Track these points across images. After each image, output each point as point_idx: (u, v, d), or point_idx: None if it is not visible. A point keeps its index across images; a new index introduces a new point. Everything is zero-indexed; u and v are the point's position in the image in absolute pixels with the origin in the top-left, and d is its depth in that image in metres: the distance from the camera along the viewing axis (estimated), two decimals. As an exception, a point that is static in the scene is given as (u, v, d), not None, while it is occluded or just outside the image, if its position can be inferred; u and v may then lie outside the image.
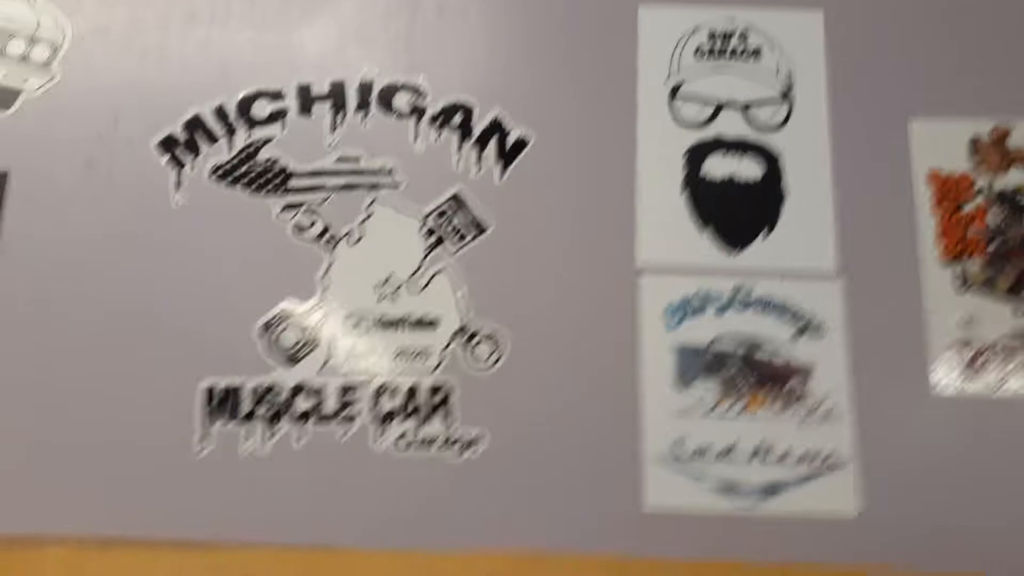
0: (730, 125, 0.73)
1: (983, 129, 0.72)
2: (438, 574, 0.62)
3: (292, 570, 0.62)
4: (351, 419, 0.67)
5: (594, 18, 0.76)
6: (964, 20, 0.75)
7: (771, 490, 0.65)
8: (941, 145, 0.72)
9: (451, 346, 0.69)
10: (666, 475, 0.66)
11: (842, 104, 0.73)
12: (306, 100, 0.75)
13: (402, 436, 0.66)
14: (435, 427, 0.67)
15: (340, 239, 0.72)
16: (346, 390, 0.67)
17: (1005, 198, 0.71)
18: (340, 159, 0.74)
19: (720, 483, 0.65)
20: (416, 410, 0.67)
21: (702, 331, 0.69)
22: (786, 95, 0.74)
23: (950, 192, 0.71)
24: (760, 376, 0.68)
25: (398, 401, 0.67)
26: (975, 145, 0.72)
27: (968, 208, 0.71)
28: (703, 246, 0.71)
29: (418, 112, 0.75)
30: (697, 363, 0.68)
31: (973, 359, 0.67)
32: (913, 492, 0.65)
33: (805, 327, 0.69)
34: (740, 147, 0.73)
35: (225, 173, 0.73)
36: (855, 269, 0.69)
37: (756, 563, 0.62)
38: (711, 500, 0.65)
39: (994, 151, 0.72)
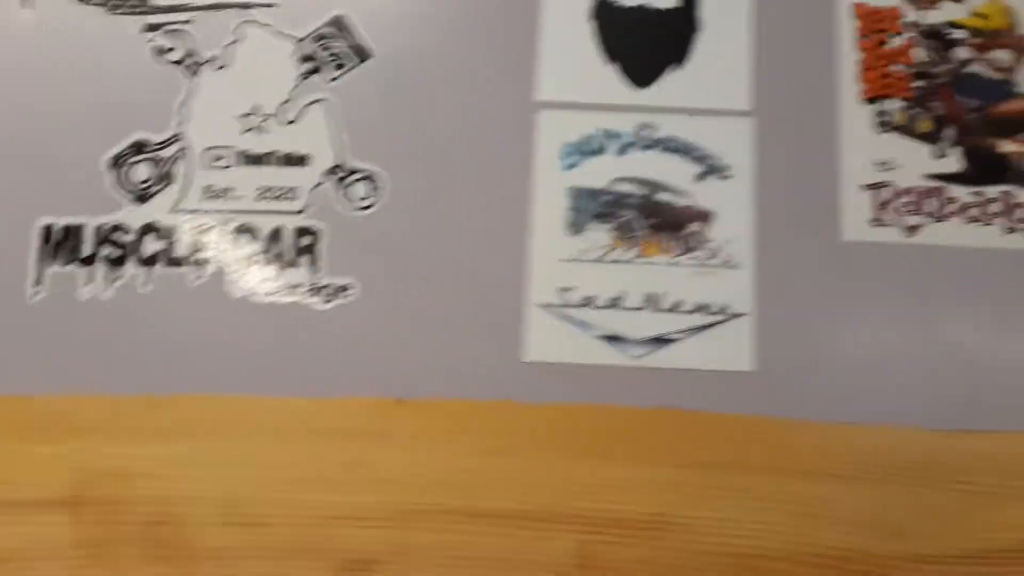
0: (642, -55, 0.67)
1: (916, -44, 0.66)
2: (303, 420, 0.57)
3: (131, 420, 0.56)
4: (205, 262, 0.61)
5: None
6: None
7: (660, 341, 0.61)
8: (868, -26, 0.66)
9: (322, 185, 0.63)
10: (550, 324, 0.60)
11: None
12: (166, -89, 0.67)
13: (263, 281, 0.61)
14: (300, 272, 0.61)
15: (203, 64, 0.65)
16: (201, 231, 0.62)
17: (934, 33, 0.65)
18: (207, -25, 0.67)
19: (607, 332, 0.61)
20: (280, 254, 0.62)
21: (601, 172, 0.63)
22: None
23: (876, 26, 0.65)
24: (658, 220, 0.63)
25: (259, 244, 0.61)
26: (906, -25, 0.66)
27: (894, 43, 0.65)
28: (608, 81, 0.64)
29: (297, -75, 0.67)
30: (592, 206, 0.63)
31: (886, 204, 0.63)
32: (815, 344, 0.60)
33: (710, 169, 0.63)
34: (654, -28, 0.67)
35: (73, -15, 0.65)
36: (768, 108, 0.63)
37: (638, 409, 0.58)
38: (597, 350, 0.60)
39: (926, -17, 0.66)
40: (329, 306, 0.60)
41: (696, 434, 0.55)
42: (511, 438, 0.55)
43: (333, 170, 0.62)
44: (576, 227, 0.62)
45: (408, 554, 0.53)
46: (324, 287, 0.60)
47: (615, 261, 0.62)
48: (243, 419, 0.57)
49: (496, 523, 0.53)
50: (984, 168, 0.63)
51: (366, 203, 0.62)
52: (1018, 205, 0.62)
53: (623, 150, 0.63)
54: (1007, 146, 0.63)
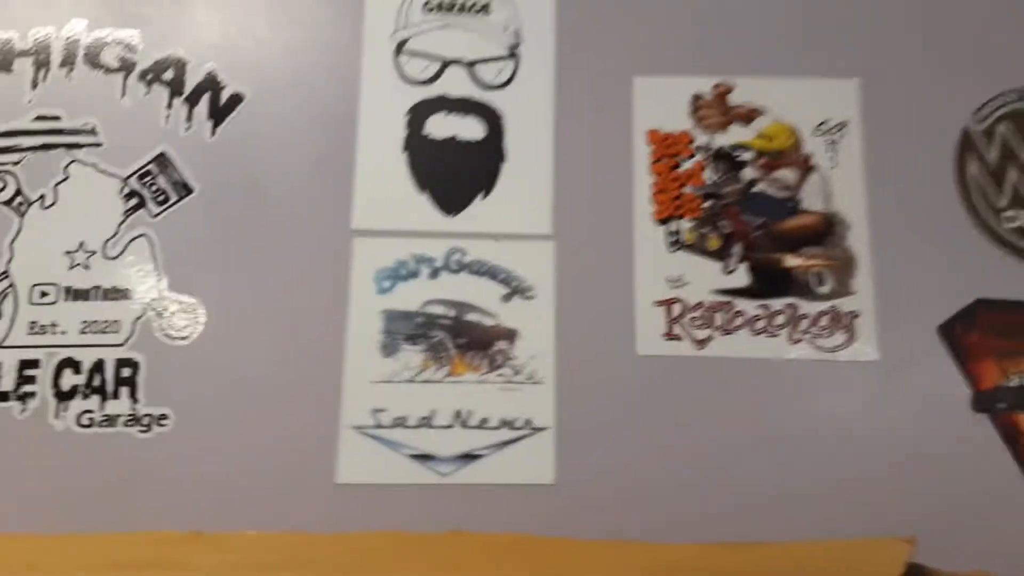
0: (455, 83, 0.71)
1: (705, 87, 0.71)
2: (114, 555, 0.59)
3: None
4: (31, 395, 0.64)
5: (318, -30, 0.74)
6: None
7: (468, 457, 0.64)
8: (663, 103, 0.70)
9: (144, 317, 0.66)
10: (362, 445, 0.64)
11: (568, 62, 0.71)
12: (7, 56, 0.70)
13: (85, 412, 0.64)
14: (121, 403, 0.64)
15: (33, 203, 0.68)
16: (26, 364, 0.64)
17: (722, 155, 0.70)
18: (38, 118, 0.69)
19: (417, 451, 0.64)
20: (101, 385, 0.64)
21: (413, 295, 0.66)
22: (513, 52, 0.71)
23: (669, 150, 0.70)
24: (467, 340, 0.67)
25: (82, 376, 0.64)
26: (696, 102, 0.71)
27: (686, 166, 0.70)
28: (420, 209, 0.68)
29: (127, 67, 0.71)
30: (405, 328, 0.67)
31: (679, 318, 0.67)
32: (612, 456, 0.64)
33: (515, 290, 0.67)
34: (464, 106, 0.70)
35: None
36: (569, 230, 0.68)
37: (448, 533, 0.61)
38: (406, 470, 0.63)
39: (715, 108, 0.71)
40: (147, 436, 0.63)
41: (485, 557, 0.58)
42: (303, 571, 0.57)
43: (154, 303, 0.66)
44: (389, 349, 0.66)
45: None
46: (143, 416, 0.63)
47: (426, 381, 0.66)
48: (46, 558, 0.58)
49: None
50: (769, 282, 0.68)
51: (185, 334, 0.65)
52: (802, 317, 0.67)
53: (435, 274, 0.67)
54: (791, 260, 0.68)
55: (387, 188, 0.68)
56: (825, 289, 0.68)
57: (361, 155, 0.69)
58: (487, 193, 0.69)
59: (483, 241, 0.68)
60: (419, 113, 0.70)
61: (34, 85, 0.69)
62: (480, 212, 0.68)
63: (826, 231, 0.69)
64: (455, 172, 0.69)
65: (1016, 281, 0.68)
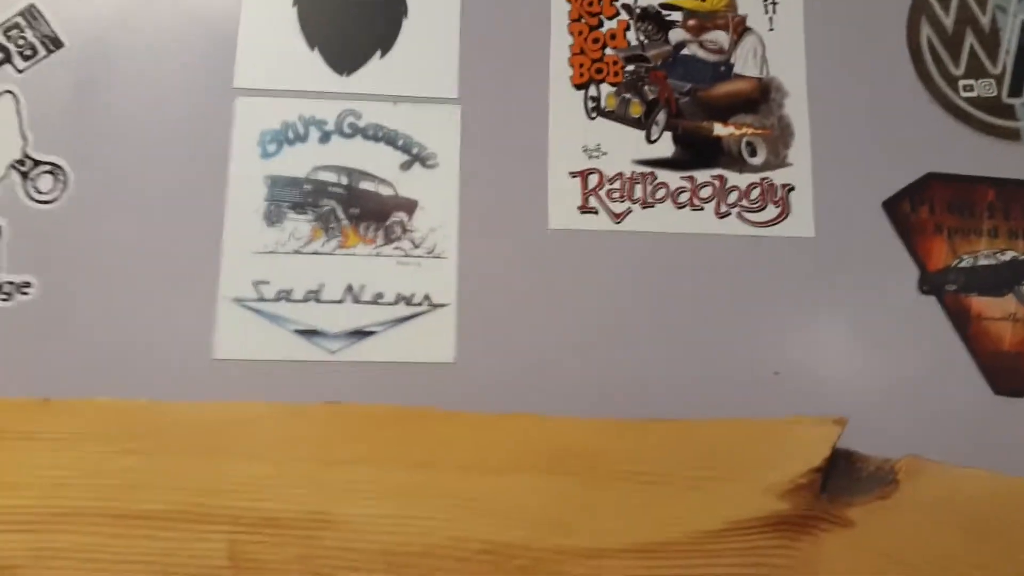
0: (356, -68, 0.66)
1: (632, -60, 0.65)
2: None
3: None
4: None
5: None
6: None
7: (360, 334, 0.58)
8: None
9: (6, 179, 0.60)
10: (243, 319, 0.57)
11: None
12: None
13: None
14: (-24, 268, 0.59)
15: None
16: None
17: (649, 15, 0.64)
18: None
19: (303, 327, 0.58)
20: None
21: (302, 160, 0.60)
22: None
23: (590, 8, 0.64)
24: (361, 210, 0.61)
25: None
26: (622, -42, 0.65)
27: (608, 26, 0.64)
28: (311, 67, 0.62)
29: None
30: (291, 195, 0.60)
31: (595, 190, 0.61)
32: (518, 335, 0.58)
33: (415, 158, 0.61)
34: (364, -43, 0.65)
35: None
36: (477, 94, 0.61)
37: (306, 405, 0.55)
38: (291, 346, 0.57)
39: (642, -36, 0.65)
40: (8, 304, 0.58)
41: (355, 429, 0.53)
42: (159, 439, 0.52)
43: (18, 163, 0.60)
44: (273, 217, 0.60)
45: (50, 559, 0.50)
46: (4, 284, 0.58)
47: (314, 253, 0.60)
48: None
49: (143, 525, 0.50)
50: (696, 152, 0.62)
51: (51, 197, 0.59)
52: (731, 189, 0.61)
53: (326, 138, 0.61)
54: (721, 129, 0.62)
55: (274, 44, 0.61)
56: (757, 160, 0.61)
57: (246, 7, 0.63)
58: (385, 51, 0.63)
59: (380, 104, 0.62)
60: (317, -37, 0.65)
61: None
62: (377, 72, 0.62)
63: (760, 98, 0.62)
64: (351, 28, 0.63)
65: (971, 154, 0.62)
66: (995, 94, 0.62)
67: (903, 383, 0.58)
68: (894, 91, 0.62)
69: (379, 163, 0.61)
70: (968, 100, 0.62)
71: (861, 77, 0.63)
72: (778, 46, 0.63)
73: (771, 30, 0.63)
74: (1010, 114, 0.62)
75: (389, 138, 0.61)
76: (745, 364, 0.58)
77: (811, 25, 0.63)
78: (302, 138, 0.61)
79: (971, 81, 0.62)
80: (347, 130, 0.61)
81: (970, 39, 0.63)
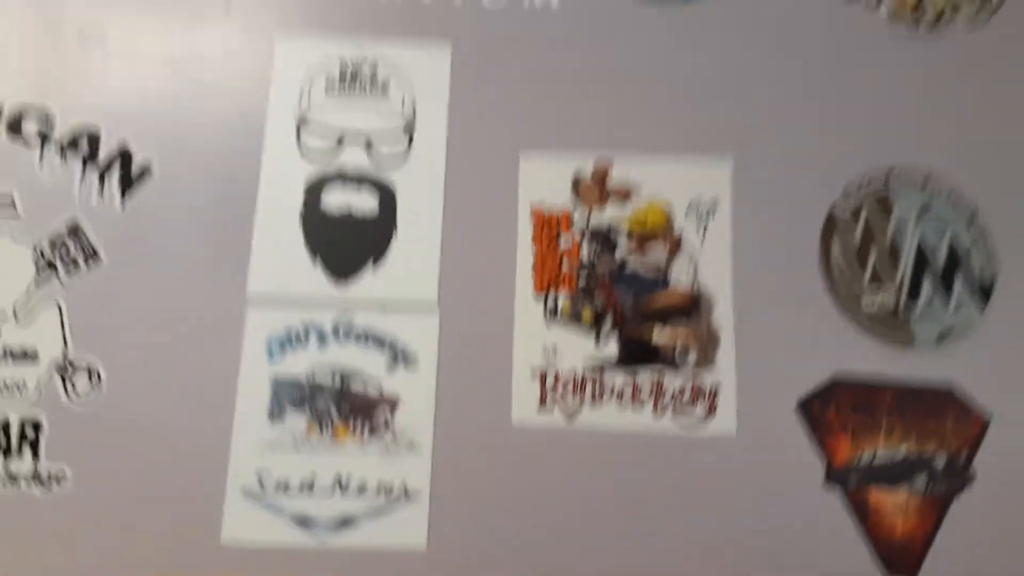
0: (353, 157, 0.75)
1: (586, 165, 0.75)
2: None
3: None
4: (-64, 452, 0.69)
5: (231, 49, 0.77)
6: (572, 58, 0.77)
7: (345, 522, 0.68)
8: (545, 180, 0.74)
9: (50, 379, 0.70)
10: (247, 508, 0.68)
11: (458, 139, 0.75)
12: (-71, 125, 0.75)
13: (-12, 466, 0.69)
14: (24, 462, 0.69)
15: (-50, 267, 0.73)
16: (-67, 422, 0.69)
17: (598, 233, 0.74)
18: (-42, 186, 0.74)
19: (297, 516, 0.68)
20: (7, 444, 0.69)
21: (302, 362, 0.71)
22: (408, 128, 0.76)
23: (550, 225, 0.75)
24: (351, 406, 0.71)
25: (-12, 434, 0.69)
26: (577, 181, 0.75)
27: (565, 242, 0.75)
28: (313, 277, 0.73)
29: (45, 137, 0.75)
30: (292, 394, 0.71)
31: (552, 389, 0.71)
32: (483, 524, 0.68)
33: (398, 358, 0.72)
34: (359, 180, 0.75)
35: None
36: (454, 301, 0.72)
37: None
38: (287, 533, 0.68)
39: (594, 187, 0.75)
40: (46, 494, 0.68)
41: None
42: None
43: (59, 366, 0.70)
44: (276, 414, 0.70)
45: None
46: (44, 475, 0.68)
47: (309, 446, 0.70)
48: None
49: None
50: (638, 354, 0.72)
51: (86, 396, 0.70)
52: (666, 389, 0.71)
53: (323, 340, 0.72)
54: (658, 334, 0.72)
55: (282, 257, 0.73)
56: (689, 362, 0.72)
57: (259, 225, 0.74)
58: (377, 262, 0.74)
59: (371, 310, 0.73)
60: (316, 186, 0.75)
61: (-44, 154, 0.75)
62: (370, 281, 0.73)
63: (692, 307, 0.73)
64: (348, 242, 0.74)
65: (872, 361, 0.72)
66: (893, 305, 0.73)
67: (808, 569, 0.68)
68: (807, 301, 0.72)
69: (368, 364, 0.71)
70: (870, 312, 0.73)
71: (779, 287, 0.73)
72: (708, 260, 0.73)
73: (703, 244, 0.74)
74: (905, 324, 0.73)
75: (378, 340, 0.72)
76: (677, 555, 0.68)
77: (738, 240, 0.74)
78: (303, 341, 0.72)
79: (873, 295, 0.73)
80: (342, 334, 0.72)
81: (874, 254, 0.74)
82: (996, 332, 0.73)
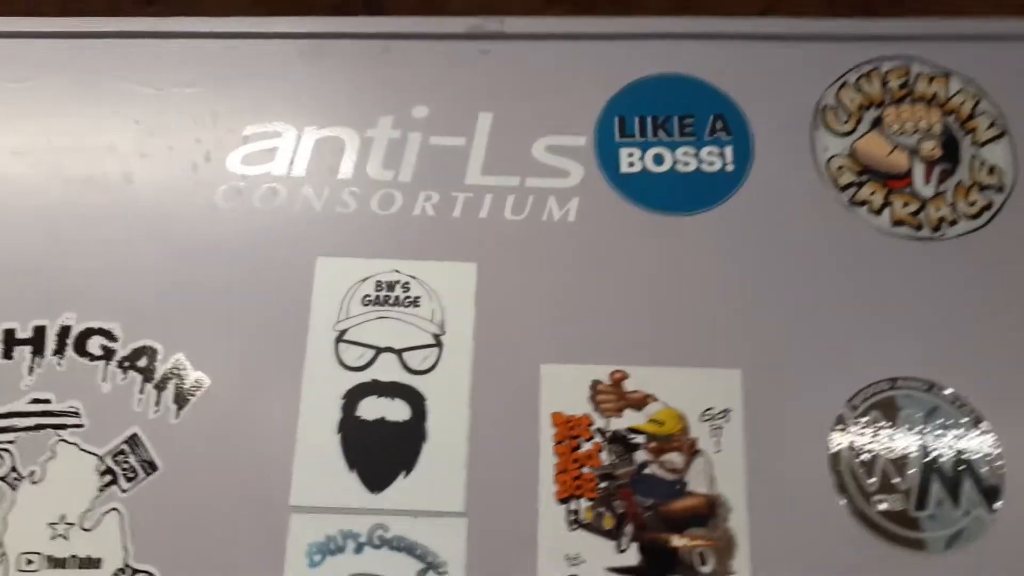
0: (386, 369, 0.81)
1: (603, 374, 0.81)
2: None
3: None
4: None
5: (276, 266, 0.85)
6: (587, 270, 0.83)
7: None
8: (565, 389, 0.80)
9: (117, 587, 0.76)
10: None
11: (484, 350, 0.81)
12: (8, 344, 0.83)
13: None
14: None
15: (24, 477, 0.79)
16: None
17: (617, 438, 0.79)
18: (33, 400, 0.81)
19: None
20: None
21: (339, 569, 0.75)
22: (438, 341, 0.83)
23: (570, 432, 0.79)
24: (384, 612, 0.75)
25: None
26: (595, 388, 0.80)
27: (585, 448, 0.79)
28: (350, 487, 0.78)
29: (108, 355, 0.83)
30: (330, 602, 0.76)
31: (574, 596, 0.74)
32: None
33: (430, 566, 0.76)
34: (393, 390, 0.80)
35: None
36: (480, 508, 0.77)
37: None
38: None
39: (611, 394, 0.80)
40: None
41: None
42: None
43: (120, 571, 0.76)
44: (316, 621, 0.75)
45: None
46: None
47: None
48: None
49: None
50: (658, 561, 0.75)
51: (146, 604, 0.75)
52: (687, 593, 0.74)
53: (359, 549, 0.76)
54: (677, 540, 0.76)
55: (322, 467, 0.78)
56: (707, 569, 0.75)
57: (301, 436, 0.79)
58: (408, 472, 0.78)
59: (403, 518, 0.77)
60: (353, 396, 0.81)
61: (30, 371, 0.82)
62: (402, 490, 0.78)
63: (709, 512, 0.76)
64: (382, 452, 0.79)
65: (885, 567, 0.74)
66: (902, 510, 0.75)
67: None
68: (818, 505, 0.76)
69: (401, 571, 0.75)
70: (879, 513, 0.75)
71: (792, 493, 0.76)
72: (723, 466, 0.77)
73: (718, 452, 0.78)
74: (916, 528, 0.75)
75: (409, 548, 0.76)
76: None
77: (750, 447, 0.78)
78: (340, 549, 0.76)
79: (882, 496, 0.76)
80: (376, 542, 0.76)
81: (882, 460, 0.77)
82: (1005, 534, 0.75)
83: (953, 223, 0.85)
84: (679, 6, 1.03)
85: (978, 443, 0.77)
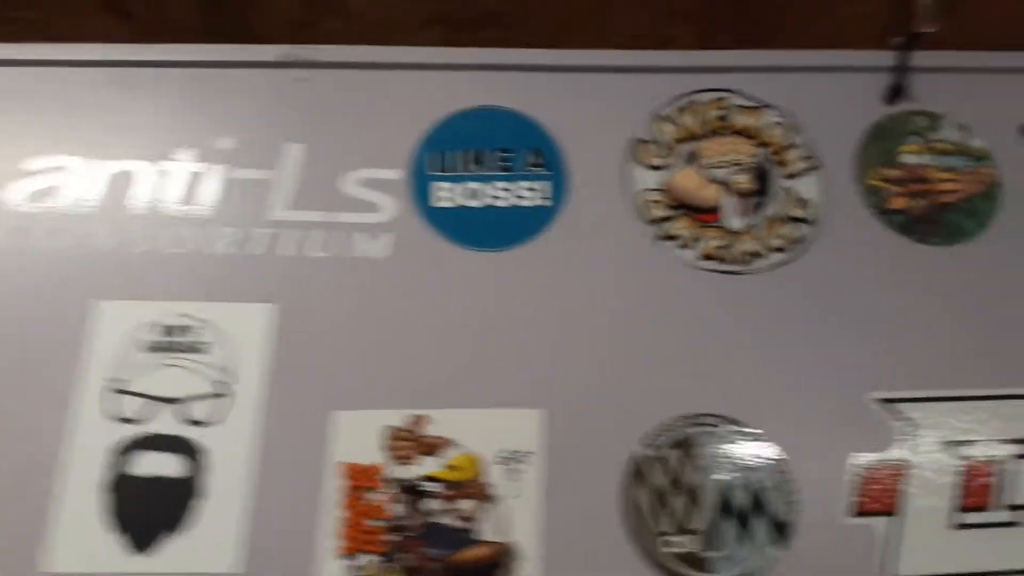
0: (165, 421, 0.76)
1: (397, 420, 0.77)
2: None
3: None
4: None
5: (48, 311, 0.79)
6: (391, 311, 0.80)
7: None
8: (359, 436, 0.76)
9: None
10: None
11: (277, 397, 0.77)
12: None
13: None
14: None
15: None
16: None
17: (408, 488, 0.75)
18: None
19: None
20: None
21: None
22: (227, 389, 0.78)
23: (360, 482, 0.75)
24: None
25: None
26: (390, 434, 0.77)
27: (374, 499, 0.75)
28: (113, 549, 0.72)
29: None
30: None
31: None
32: None
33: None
34: (170, 444, 0.75)
35: None
36: (260, 568, 0.72)
37: None
38: None
39: (406, 440, 0.77)
40: None
41: None
42: None
43: None
44: None
45: None
46: None
47: None
48: None
49: None
50: (445, 615, 0.72)
51: None
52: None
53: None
54: (467, 592, 0.73)
55: (82, 528, 0.72)
56: (497, 622, 0.72)
57: (59, 494, 0.73)
58: (181, 531, 0.73)
59: (175, 581, 0.73)
60: (125, 451, 0.75)
61: None
62: (174, 550, 0.72)
63: (500, 562, 0.73)
64: (153, 511, 0.73)
65: (678, 610, 0.73)
66: (694, 550, 0.74)
67: None
68: (611, 549, 0.72)
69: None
70: (670, 555, 0.73)
71: (586, 537, 0.73)
72: (519, 512, 0.74)
73: (515, 497, 0.74)
74: (707, 568, 0.73)
75: (181, 612, 0.71)
76: None
77: (548, 491, 0.74)
78: (106, 615, 0.71)
79: (673, 537, 0.74)
80: (144, 606, 0.71)
81: (676, 499, 0.75)
82: (798, 571, 0.74)
83: (762, 257, 0.85)
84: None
85: (775, 480, 0.76)
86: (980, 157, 0.90)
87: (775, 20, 0.99)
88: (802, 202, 0.87)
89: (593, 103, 0.90)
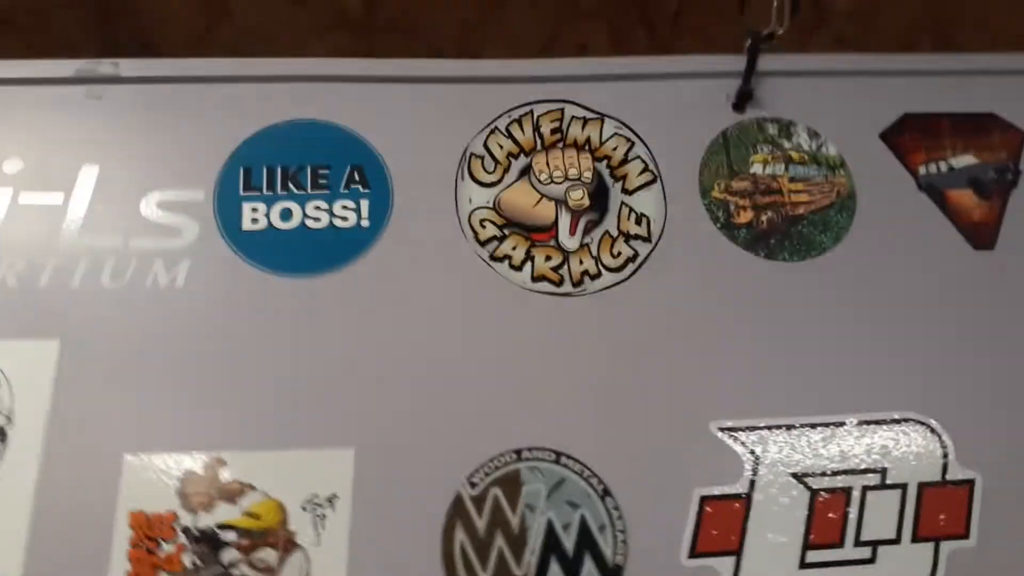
0: (-66, 469, 0.71)
1: (194, 464, 0.71)
2: None
3: None
4: None
5: None
6: (195, 352, 0.74)
7: None
8: (150, 482, 0.69)
9: None
10: None
11: (59, 440, 0.70)
12: None
13: None
14: None
15: None
16: None
17: (204, 537, 0.69)
18: None
19: None
20: None
21: None
22: (2, 433, 0.72)
23: (150, 532, 0.69)
24: None
25: None
26: (184, 481, 0.70)
27: (166, 550, 0.69)
28: None
29: None
30: None
31: None
32: None
33: None
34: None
35: None
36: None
37: None
38: None
39: (201, 489, 0.71)
40: None
41: None
42: None
43: None
44: None
45: None
46: None
47: None
48: None
49: None
50: None
51: None
52: None
53: None
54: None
55: None
56: None
57: None
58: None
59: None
60: None
61: None
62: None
63: (301, 614, 0.68)
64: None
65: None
66: (517, 598, 0.69)
67: None
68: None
69: None
70: (494, 603, 0.69)
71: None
72: (323, 560, 0.68)
73: (319, 544, 0.69)
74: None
75: None
76: None
77: (355, 540, 0.69)
78: None
79: (496, 583, 0.69)
80: None
81: (499, 541, 0.71)
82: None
83: (596, 276, 0.81)
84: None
85: (603, 519, 0.72)
86: (833, 166, 0.88)
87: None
88: (640, 218, 0.83)
89: (420, 116, 0.84)
